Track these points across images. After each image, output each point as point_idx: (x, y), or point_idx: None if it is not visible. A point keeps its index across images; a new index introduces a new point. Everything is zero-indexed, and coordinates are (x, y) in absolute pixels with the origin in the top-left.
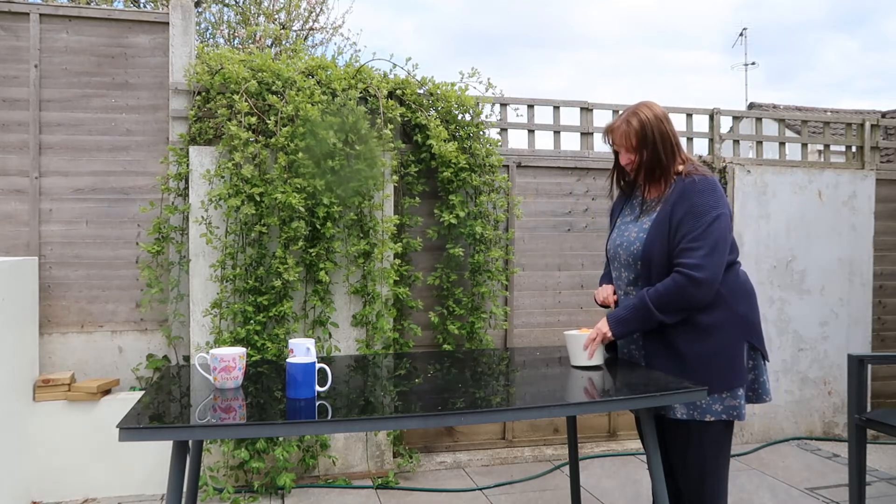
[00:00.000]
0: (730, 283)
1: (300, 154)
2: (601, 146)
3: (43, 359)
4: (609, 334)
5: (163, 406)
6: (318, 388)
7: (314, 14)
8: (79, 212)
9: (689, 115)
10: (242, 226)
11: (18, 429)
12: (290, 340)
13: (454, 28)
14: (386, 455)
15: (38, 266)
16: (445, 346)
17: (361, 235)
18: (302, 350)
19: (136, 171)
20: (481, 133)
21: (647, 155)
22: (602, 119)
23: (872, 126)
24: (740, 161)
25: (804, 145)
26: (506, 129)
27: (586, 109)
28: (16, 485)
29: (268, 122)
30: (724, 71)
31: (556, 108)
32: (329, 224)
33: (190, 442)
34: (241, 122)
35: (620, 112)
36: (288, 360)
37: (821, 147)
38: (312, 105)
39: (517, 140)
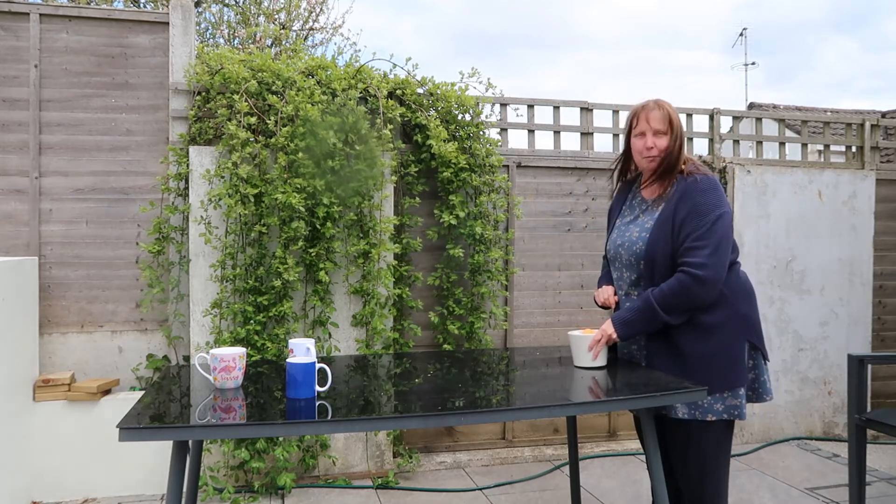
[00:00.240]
0: (731, 282)
1: (300, 154)
2: (601, 146)
3: (43, 359)
4: (614, 336)
5: (163, 406)
6: (318, 388)
7: (314, 14)
8: (79, 212)
9: (690, 115)
10: (242, 226)
11: (18, 429)
12: (290, 340)
13: (454, 28)
14: (386, 455)
15: (38, 266)
16: (445, 346)
17: (361, 235)
18: (302, 350)
19: (136, 171)
20: (481, 133)
21: (675, 142)
22: (602, 119)
23: (872, 126)
24: (740, 161)
25: (804, 145)
26: (506, 129)
27: (586, 109)
28: (16, 485)
29: (268, 122)
30: (724, 71)
31: (556, 108)
32: (329, 224)
33: (190, 442)
34: (240, 122)
35: (620, 112)
36: (288, 360)
37: (821, 147)
38: (312, 105)
39: (517, 140)
